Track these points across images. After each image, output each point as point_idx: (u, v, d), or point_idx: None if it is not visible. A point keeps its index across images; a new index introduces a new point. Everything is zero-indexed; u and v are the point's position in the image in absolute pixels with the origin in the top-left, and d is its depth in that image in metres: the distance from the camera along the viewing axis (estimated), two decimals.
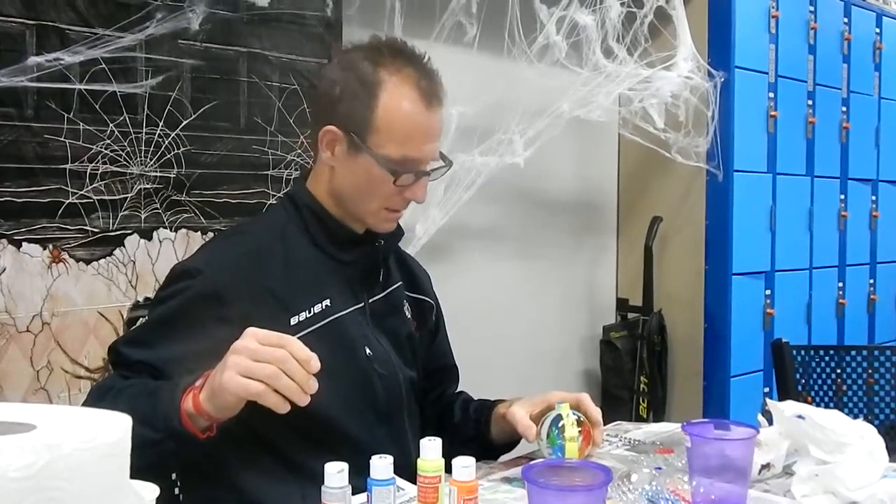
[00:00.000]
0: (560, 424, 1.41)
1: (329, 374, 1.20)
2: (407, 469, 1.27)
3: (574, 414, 1.42)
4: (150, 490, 0.72)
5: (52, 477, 0.54)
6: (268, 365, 1.15)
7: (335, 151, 1.46)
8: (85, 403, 1.34)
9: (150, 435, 1.19)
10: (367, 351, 1.48)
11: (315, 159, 1.53)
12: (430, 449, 1.22)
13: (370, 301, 1.52)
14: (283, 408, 1.16)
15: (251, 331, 1.19)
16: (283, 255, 1.45)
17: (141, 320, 1.43)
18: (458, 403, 1.68)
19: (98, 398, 1.30)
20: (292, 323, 1.40)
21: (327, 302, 1.45)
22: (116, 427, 0.61)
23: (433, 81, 1.45)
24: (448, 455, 1.27)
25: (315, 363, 1.17)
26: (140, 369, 1.35)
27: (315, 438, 1.38)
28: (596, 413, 1.47)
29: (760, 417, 1.54)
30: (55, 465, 0.54)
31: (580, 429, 1.41)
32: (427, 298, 1.69)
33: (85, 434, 0.58)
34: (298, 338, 1.32)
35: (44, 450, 0.54)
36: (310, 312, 1.42)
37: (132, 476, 0.87)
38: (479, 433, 1.60)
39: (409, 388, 1.56)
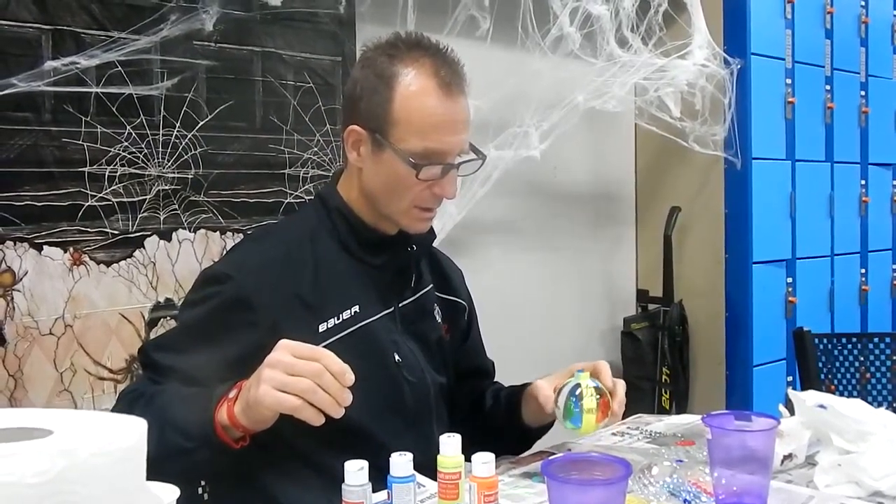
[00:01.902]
0: (578, 393, 1.38)
1: (358, 380, 1.20)
2: (434, 474, 1.27)
3: (593, 383, 1.39)
4: (170, 492, 0.73)
5: (68, 482, 0.55)
6: (303, 379, 1.16)
7: (361, 152, 1.44)
8: (115, 410, 1.34)
9: (184, 444, 1.21)
10: (396, 357, 1.47)
11: (345, 161, 1.52)
12: (450, 445, 1.22)
13: (400, 305, 1.51)
14: (317, 421, 1.17)
15: (284, 343, 1.19)
16: (312, 259, 1.44)
17: (165, 321, 1.44)
18: (489, 392, 1.67)
19: (129, 404, 1.31)
20: (321, 329, 1.40)
21: (356, 308, 1.43)
22: (132, 431, 0.61)
23: (453, 71, 1.41)
24: (485, 444, 1.28)
25: (350, 376, 1.17)
26: (169, 374, 1.35)
27: (342, 444, 1.36)
28: (613, 382, 1.43)
29: (782, 408, 1.53)
30: (71, 470, 0.55)
31: (599, 398, 1.38)
32: (459, 299, 1.67)
33: (101, 439, 0.58)
34: (327, 344, 1.34)
35: (59, 455, 0.55)
36: (338, 319, 1.42)
37: (161, 481, 0.89)
38: (511, 418, 1.57)
39: (438, 393, 1.55)
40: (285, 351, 1.18)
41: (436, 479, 1.23)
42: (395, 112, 1.38)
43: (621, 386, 1.44)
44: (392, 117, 1.39)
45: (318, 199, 1.54)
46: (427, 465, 1.27)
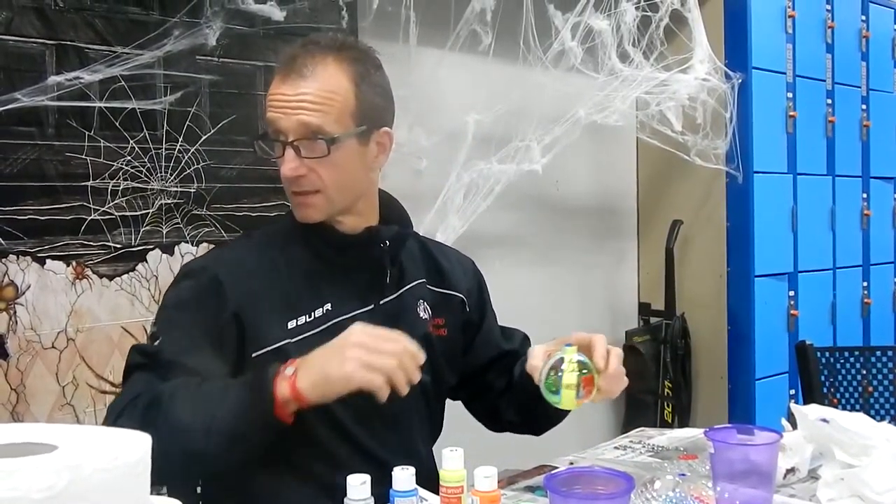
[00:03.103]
0: (562, 367, 1.32)
1: None
2: (416, 475, 1.27)
3: (578, 357, 1.33)
4: None
5: (74, 497, 0.55)
6: (390, 359, 1.23)
7: None
8: (125, 419, 1.26)
9: (240, 427, 1.23)
10: None
11: None
12: (452, 459, 1.22)
13: (381, 303, 1.50)
14: (385, 396, 1.24)
15: (361, 326, 1.26)
16: (284, 263, 1.46)
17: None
18: (518, 364, 1.63)
19: (147, 408, 1.26)
20: (289, 326, 1.41)
21: (328, 306, 1.44)
22: (137, 447, 0.61)
23: (308, 57, 1.40)
24: (527, 416, 1.35)
25: (422, 356, 1.27)
26: (170, 366, 1.34)
27: (326, 447, 1.39)
28: (604, 359, 1.37)
29: (785, 422, 1.53)
30: (76, 485, 0.55)
31: (582, 373, 1.32)
32: (455, 292, 1.64)
33: (106, 454, 0.58)
34: (297, 341, 1.38)
35: (65, 470, 0.55)
36: (310, 317, 1.42)
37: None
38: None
39: (419, 393, 1.51)
40: (363, 334, 1.25)
41: (420, 484, 1.24)
42: None
43: (615, 357, 1.39)
44: None
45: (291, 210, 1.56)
46: (409, 465, 1.28)
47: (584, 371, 1.33)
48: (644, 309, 3.61)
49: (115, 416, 1.28)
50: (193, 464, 1.24)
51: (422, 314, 1.57)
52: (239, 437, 1.24)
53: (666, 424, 3.31)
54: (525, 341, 1.75)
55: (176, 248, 2.17)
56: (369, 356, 1.23)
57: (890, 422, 1.62)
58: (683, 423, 3.32)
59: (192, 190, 2.19)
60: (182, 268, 1.52)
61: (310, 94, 1.38)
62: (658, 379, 3.39)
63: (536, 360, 1.40)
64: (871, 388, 2.37)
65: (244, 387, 1.26)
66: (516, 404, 1.59)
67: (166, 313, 1.43)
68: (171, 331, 1.38)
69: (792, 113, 3.45)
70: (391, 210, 1.57)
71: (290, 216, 1.52)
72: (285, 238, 1.50)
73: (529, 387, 1.53)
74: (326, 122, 1.38)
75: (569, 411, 1.52)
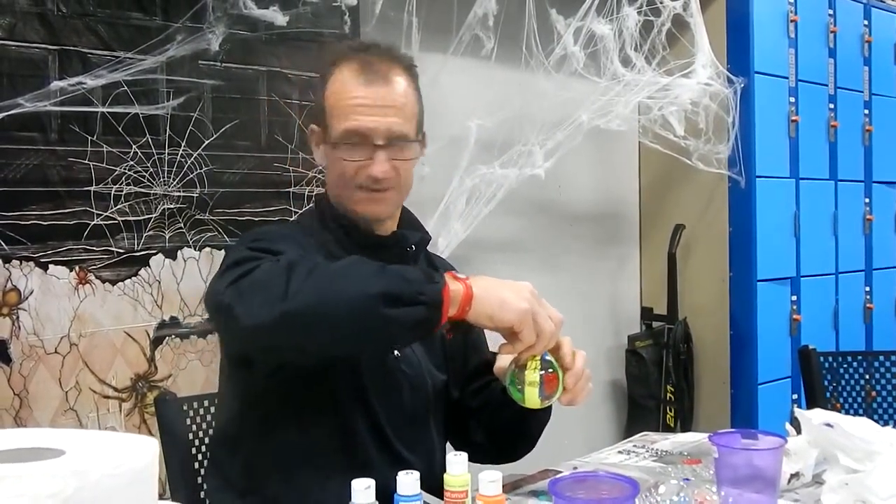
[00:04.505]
0: (522, 365, 1.32)
1: (355, 373, 1.32)
2: (431, 470, 1.27)
3: (545, 357, 1.33)
4: None
5: (81, 502, 0.55)
6: (551, 325, 1.29)
7: (319, 148, 1.53)
8: (286, 272, 1.21)
9: (409, 292, 1.21)
10: (395, 352, 1.48)
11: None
12: (457, 464, 1.22)
13: None
14: (519, 349, 1.29)
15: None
16: (325, 249, 1.47)
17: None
18: (496, 381, 1.62)
19: (291, 264, 1.22)
20: None
21: None
22: (144, 453, 0.61)
23: (380, 64, 1.47)
24: (513, 429, 1.37)
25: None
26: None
27: (347, 442, 1.39)
28: (569, 358, 1.37)
29: (789, 426, 1.52)
30: (84, 491, 0.55)
31: (542, 373, 1.32)
32: None
33: (113, 460, 0.58)
34: None
35: (72, 476, 0.55)
36: None
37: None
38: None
39: (436, 390, 1.55)
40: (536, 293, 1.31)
41: (436, 481, 1.24)
42: (326, 102, 1.48)
43: (580, 357, 1.39)
44: (325, 108, 1.48)
45: (316, 206, 1.58)
46: (425, 458, 1.34)
47: (549, 370, 1.33)
48: (646, 313, 3.61)
49: (243, 273, 1.23)
50: (336, 323, 1.20)
51: None
52: (401, 301, 1.20)
53: (668, 429, 3.30)
54: None
55: (179, 252, 2.17)
56: (539, 309, 1.28)
57: (893, 426, 1.62)
58: (686, 428, 3.32)
59: (195, 195, 2.19)
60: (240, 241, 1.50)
61: (394, 100, 1.46)
62: (660, 384, 3.39)
63: (503, 362, 1.42)
64: (874, 393, 2.36)
65: (414, 269, 1.29)
66: (486, 426, 1.59)
67: (250, 247, 1.36)
68: (275, 243, 1.35)
69: (794, 117, 3.45)
70: (405, 217, 1.60)
71: (313, 217, 1.55)
72: (315, 238, 1.50)
73: (501, 405, 1.52)
74: (408, 128, 1.47)
75: (534, 440, 1.54)
